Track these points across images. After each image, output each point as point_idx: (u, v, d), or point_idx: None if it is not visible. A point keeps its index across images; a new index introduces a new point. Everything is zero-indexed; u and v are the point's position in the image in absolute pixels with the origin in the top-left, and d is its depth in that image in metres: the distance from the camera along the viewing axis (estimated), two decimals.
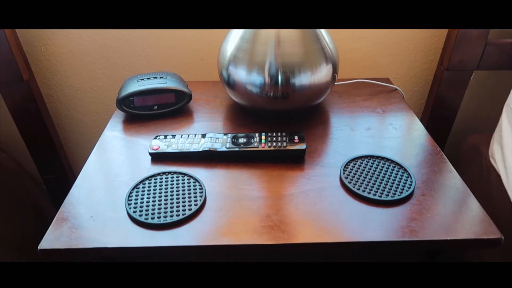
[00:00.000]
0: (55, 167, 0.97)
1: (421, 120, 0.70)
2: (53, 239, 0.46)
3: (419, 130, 0.67)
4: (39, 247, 0.45)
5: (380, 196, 0.51)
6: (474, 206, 0.50)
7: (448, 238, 0.46)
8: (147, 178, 0.55)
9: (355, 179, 0.54)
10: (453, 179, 0.55)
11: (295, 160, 0.59)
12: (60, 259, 0.46)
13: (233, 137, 0.61)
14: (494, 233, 0.46)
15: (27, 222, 0.89)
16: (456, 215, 0.49)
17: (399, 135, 0.65)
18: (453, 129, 0.95)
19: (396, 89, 0.80)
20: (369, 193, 0.52)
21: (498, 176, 0.77)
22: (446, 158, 0.59)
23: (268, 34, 0.61)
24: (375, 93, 0.79)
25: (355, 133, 0.66)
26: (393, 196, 0.51)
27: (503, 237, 0.46)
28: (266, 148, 0.58)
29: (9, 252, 0.82)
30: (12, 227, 0.86)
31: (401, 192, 0.52)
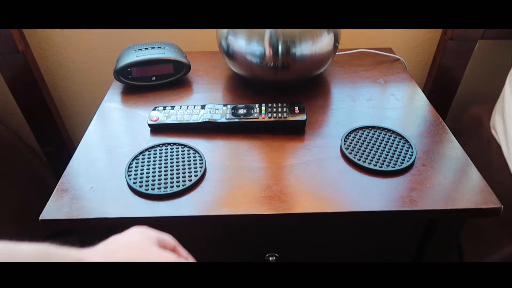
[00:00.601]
0: (55, 139, 0.97)
1: (423, 91, 0.69)
2: (54, 209, 0.46)
3: (421, 100, 0.66)
4: (40, 218, 0.45)
5: (381, 167, 0.51)
6: (474, 176, 0.50)
7: (448, 208, 0.46)
8: (146, 149, 0.54)
9: (355, 149, 0.54)
10: (454, 150, 0.55)
11: (295, 131, 0.59)
12: (61, 229, 0.46)
13: (233, 108, 0.60)
14: (493, 203, 0.46)
15: (28, 194, 0.90)
16: (456, 185, 0.49)
17: (401, 106, 0.64)
18: (455, 100, 0.94)
19: (398, 59, 0.79)
20: (370, 163, 0.52)
21: (499, 147, 0.77)
22: (448, 129, 0.58)
23: None
24: (377, 63, 0.77)
25: (356, 104, 0.65)
26: (394, 167, 0.51)
27: (502, 206, 0.46)
28: (266, 119, 0.58)
29: (11, 223, 0.83)
30: (13, 199, 0.86)
31: (402, 163, 0.51)
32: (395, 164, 0.51)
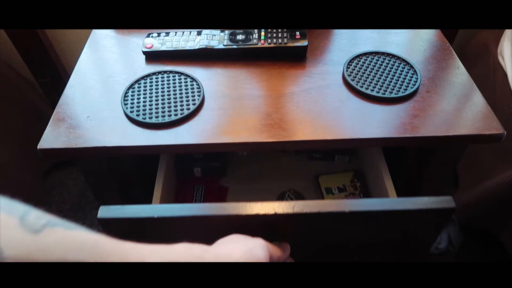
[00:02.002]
0: (49, 70, 0.94)
1: None
2: (52, 139, 0.46)
3: None
4: (38, 147, 0.45)
5: (384, 93, 0.50)
6: (479, 102, 0.49)
7: (450, 134, 0.45)
8: (142, 78, 0.53)
9: (358, 76, 0.52)
10: (460, 76, 0.53)
11: (296, 58, 0.56)
12: (60, 158, 0.46)
13: (231, 34, 0.57)
14: (496, 129, 0.46)
15: (29, 125, 0.89)
16: (459, 111, 0.48)
17: (407, 30, 0.61)
18: None
19: None
20: (373, 90, 0.50)
21: (504, 74, 0.75)
22: (455, 54, 0.56)
23: None
24: None
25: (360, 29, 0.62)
26: (397, 93, 0.50)
27: (505, 132, 0.46)
28: (266, 45, 0.55)
29: (12, 154, 0.84)
30: (13, 130, 0.86)
31: (406, 89, 0.50)
32: (399, 91, 0.50)
